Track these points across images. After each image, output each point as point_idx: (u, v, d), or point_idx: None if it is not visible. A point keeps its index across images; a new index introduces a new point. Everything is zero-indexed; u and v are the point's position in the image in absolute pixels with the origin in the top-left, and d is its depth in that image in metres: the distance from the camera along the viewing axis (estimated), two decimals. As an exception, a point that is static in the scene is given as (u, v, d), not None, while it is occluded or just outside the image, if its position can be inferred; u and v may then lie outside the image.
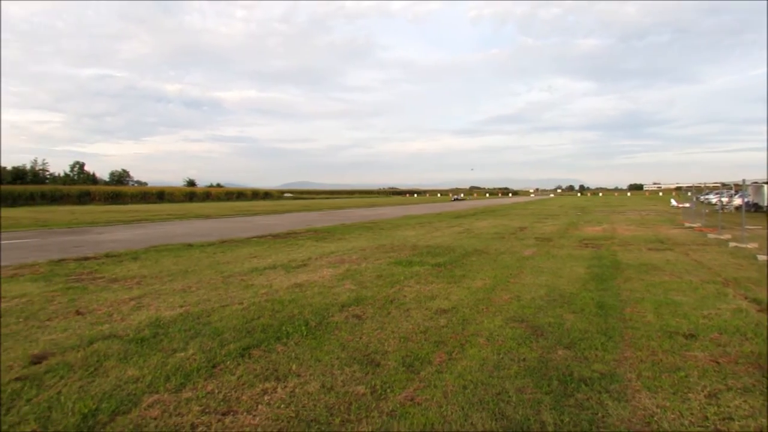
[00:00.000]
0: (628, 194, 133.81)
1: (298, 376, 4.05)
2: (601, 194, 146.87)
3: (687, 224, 20.36)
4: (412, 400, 3.60)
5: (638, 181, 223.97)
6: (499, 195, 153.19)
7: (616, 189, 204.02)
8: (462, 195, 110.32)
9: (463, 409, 3.46)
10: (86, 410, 3.38)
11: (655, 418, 3.35)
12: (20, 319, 5.75)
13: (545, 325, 5.56)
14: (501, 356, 4.53)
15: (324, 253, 11.70)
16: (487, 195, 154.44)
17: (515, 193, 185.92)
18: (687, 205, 28.74)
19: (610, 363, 4.37)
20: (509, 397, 3.65)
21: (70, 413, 3.35)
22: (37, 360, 4.40)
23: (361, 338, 5.07)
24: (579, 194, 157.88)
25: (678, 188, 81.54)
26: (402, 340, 5.02)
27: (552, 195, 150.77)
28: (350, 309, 6.25)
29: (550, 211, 35.69)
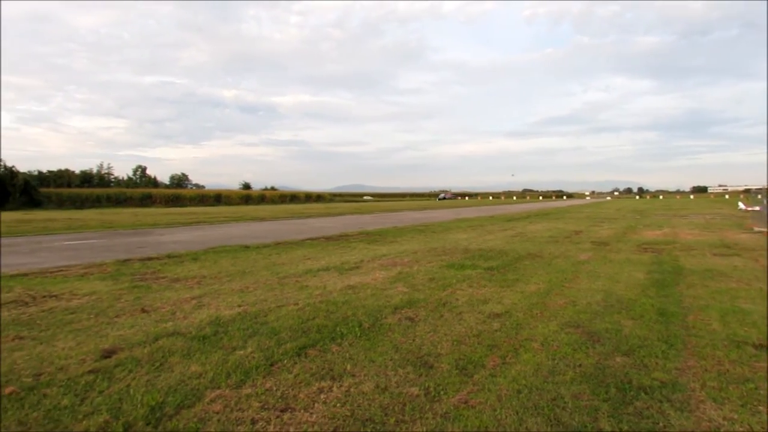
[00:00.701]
0: (691, 197, 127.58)
1: (353, 376, 4.14)
2: (661, 197, 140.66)
3: (756, 228, 19.23)
4: (466, 402, 3.61)
5: (702, 183, 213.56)
6: (553, 198, 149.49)
7: (678, 191, 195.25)
8: (447, 193, 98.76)
9: (517, 413, 3.45)
10: (153, 403, 3.58)
11: (722, 431, 3.23)
12: (91, 316, 6.11)
13: (602, 331, 5.43)
14: (556, 362, 4.47)
15: (376, 255, 11.83)
16: (540, 198, 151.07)
17: (570, 196, 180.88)
18: (756, 208, 27.12)
19: (671, 372, 4.23)
20: (565, 403, 3.61)
21: (138, 405, 3.55)
22: (107, 354, 4.67)
23: (414, 340, 5.11)
24: (637, 197, 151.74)
25: (746, 191, 76.93)
26: (455, 343, 5.03)
27: (608, 198, 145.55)
28: (403, 311, 6.31)
29: (607, 215, 34.56)
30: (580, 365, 4.37)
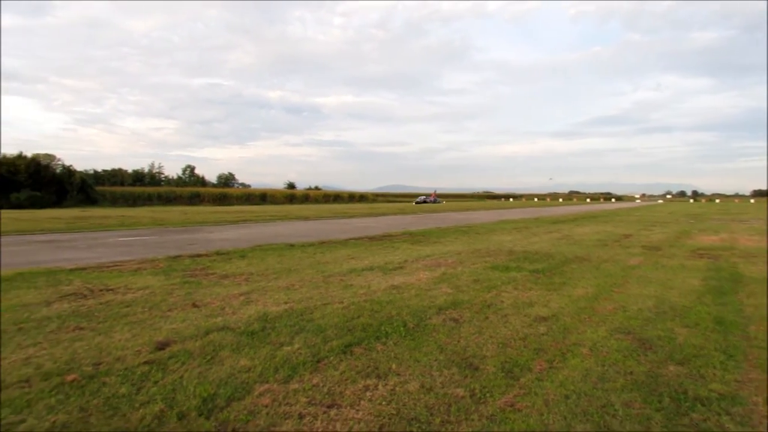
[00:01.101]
0: (752, 201, 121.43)
1: (398, 375, 4.16)
2: (717, 200, 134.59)
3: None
4: (512, 405, 3.57)
5: (764, 187, 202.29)
6: (601, 200, 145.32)
7: (737, 195, 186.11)
8: (430, 196, 79.88)
9: (565, 418, 3.39)
10: (206, 394, 3.70)
11: (785, 446, 3.07)
12: (145, 309, 6.35)
13: (654, 338, 5.26)
14: (605, 368, 4.36)
15: (420, 256, 11.82)
16: (587, 200, 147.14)
17: (618, 198, 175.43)
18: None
19: (731, 383, 4.05)
20: (615, 410, 3.52)
21: (191, 396, 3.68)
22: (161, 346, 4.85)
23: (459, 341, 5.09)
24: (692, 200, 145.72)
25: None
26: (500, 345, 4.98)
27: (660, 201, 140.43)
28: (447, 312, 6.29)
29: (659, 218, 33.32)
30: (631, 373, 4.25)
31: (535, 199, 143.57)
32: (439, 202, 68.82)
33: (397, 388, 3.86)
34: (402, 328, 5.49)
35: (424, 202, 68.02)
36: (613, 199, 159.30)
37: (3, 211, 36.83)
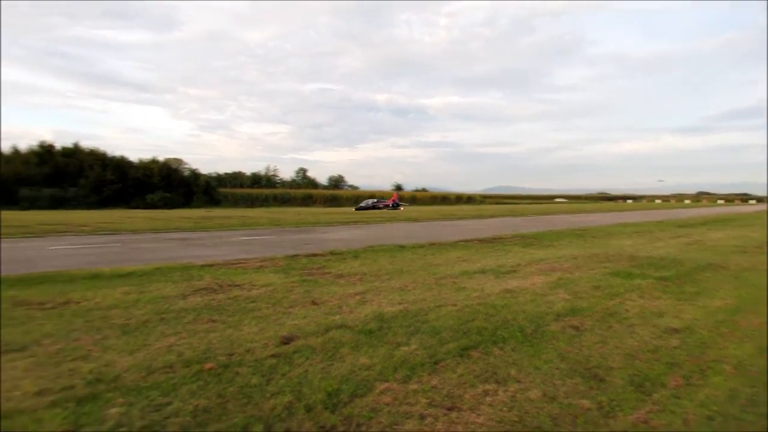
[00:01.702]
0: None
1: (518, 381, 4.06)
2: None
3: None
4: (645, 422, 3.34)
5: None
6: (736, 202, 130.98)
7: None
8: (379, 201, 53.45)
9: (709, 442, 3.10)
10: (330, 389, 3.86)
11: None
12: (269, 305, 6.75)
13: (815, 359, 4.64)
14: (756, 389, 3.92)
15: (533, 259, 11.44)
16: (720, 201, 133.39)
17: (759, 200, 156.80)
18: None
19: None
20: (770, 437, 3.16)
21: (317, 390, 3.85)
22: (286, 341, 5.13)
23: (580, 350, 4.85)
24: None
25: None
26: (627, 357, 4.68)
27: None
28: (566, 319, 6.02)
29: (811, 222, 29.31)
30: (788, 396, 3.79)
31: (657, 201, 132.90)
32: (396, 208, 45.49)
33: (518, 395, 3.77)
34: (519, 334, 5.35)
35: (374, 207, 44.10)
36: (754, 201, 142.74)
37: (139, 210, 41.34)
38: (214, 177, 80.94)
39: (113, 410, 3.43)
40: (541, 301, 6.97)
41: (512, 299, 7.09)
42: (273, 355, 4.66)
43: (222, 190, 65.30)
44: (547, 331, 5.49)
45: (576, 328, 5.65)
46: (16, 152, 50.58)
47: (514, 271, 9.64)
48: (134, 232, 19.35)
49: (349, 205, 64.56)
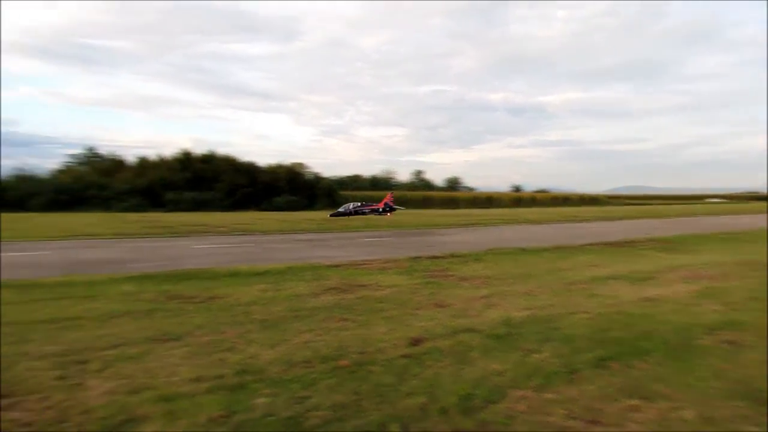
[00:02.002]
0: None
1: (668, 398, 3.72)
2: None
3: None
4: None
5: None
6: None
7: None
8: (363, 205, 35.56)
9: None
10: (462, 393, 3.82)
11: None
12: (395, 306, 6.86)
13: None
14: None
15: (672, 266, 10.48)
16: None
17: None
18: None
19: None
20: None
21: (449, 393, 3.83)
22: (415, 342, 5.16)
23: (741, 369, 4.34)
24: None
25: None
26: (801, 380, 4.08)
27: None
28: (720, 333, 5.42)
29: None
30: None
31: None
32: (385, 213, 34.25)
33: (669, 414, 3.47)
34: (663, 346, 4.92)
35: (357, 213, 33.99)
36: None
37: (268, 212, 44.20)
38: (335, 180, 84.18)
39: (260, 400, 3.69)
40: (686, 312, 6.36)
41: (652, 309, 6.55)
42: (404, 356, 4.72)
43: (343, 192, 67.75)
44: (696, 346, 5.00)
45: (733, 343, 5.07)
46: (161, 160, 56.69)
47: (652, 278, 8.90)
48: (265, 233, 20.83)
49: (465, 207, 64.07)
